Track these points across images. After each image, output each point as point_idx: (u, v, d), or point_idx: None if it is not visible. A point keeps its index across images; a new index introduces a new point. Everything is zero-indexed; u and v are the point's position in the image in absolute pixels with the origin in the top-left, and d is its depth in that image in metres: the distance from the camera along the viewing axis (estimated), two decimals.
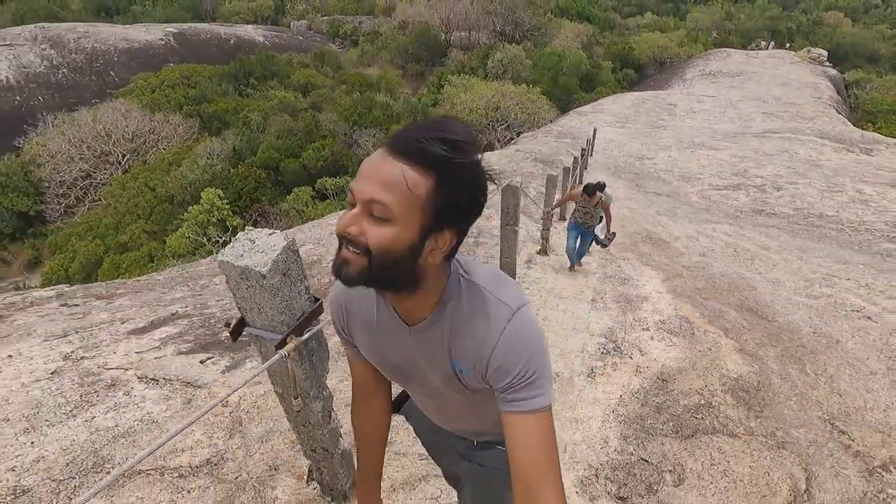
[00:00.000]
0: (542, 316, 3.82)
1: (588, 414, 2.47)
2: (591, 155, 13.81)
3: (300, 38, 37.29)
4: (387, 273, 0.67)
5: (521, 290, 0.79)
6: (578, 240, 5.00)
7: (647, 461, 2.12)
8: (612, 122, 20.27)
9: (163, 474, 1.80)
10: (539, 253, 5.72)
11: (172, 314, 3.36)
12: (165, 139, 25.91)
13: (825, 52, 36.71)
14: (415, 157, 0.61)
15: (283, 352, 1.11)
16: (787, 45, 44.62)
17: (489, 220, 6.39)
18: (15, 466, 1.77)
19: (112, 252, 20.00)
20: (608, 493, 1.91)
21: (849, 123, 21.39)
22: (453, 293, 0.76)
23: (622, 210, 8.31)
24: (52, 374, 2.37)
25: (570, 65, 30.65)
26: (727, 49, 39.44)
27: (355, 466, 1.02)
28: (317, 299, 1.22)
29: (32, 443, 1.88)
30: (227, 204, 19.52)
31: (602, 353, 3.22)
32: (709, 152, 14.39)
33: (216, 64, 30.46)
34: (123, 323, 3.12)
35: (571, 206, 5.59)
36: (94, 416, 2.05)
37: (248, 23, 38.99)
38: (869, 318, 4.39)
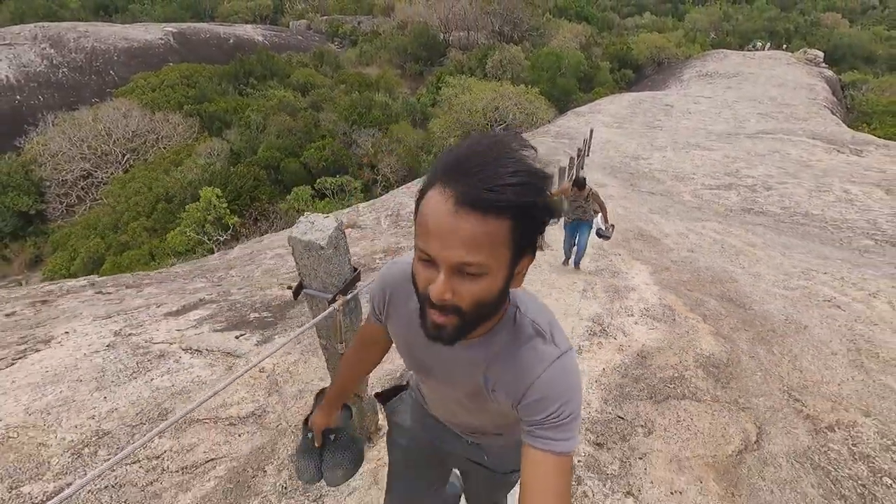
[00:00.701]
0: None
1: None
2: (588, 155, 14.21)
3: (299, 37, 37.67)
4: (482, 319, 0.69)
5: (565, 335, 0.82)
6: (576, 236, 5.25)
7: (622, 418, 2.51)
8: (609, 123, 20.69)
9: (216, 422, 2.17)
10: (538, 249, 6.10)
11: (200, 300, 3.73)
12: (165, 138, 26.22)
13: (821, 54, 37.23)
14: (491, 209, 0.59)
15: (334, 306, 1.48)
16: (785, 46, 45.13)
17: None
18: (94, 416, 2.15)
19: (113, 250, 20.30)
20: (588, 441, 2.29)
21: (842, 124, 21.84)
22: (506, 323, 0.78)
23: (616, 209, 8.69)
24: (107, 346, 2.74)
25: (569, 65, 31.08)
26: (724, 50, 39.94)
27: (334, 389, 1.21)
28: (356, 269, 1.59)
29: (105, 398, 2.26)
30: (224, 202, 19.84)
31: (589, 334, 3.60)
32: (703, 153, 14.81)
33: (216, 63, 30.77)
34: (158, 307, 3.49)
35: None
36: (152, 379, 2.43)
37: (246, 22, 39.36)
38: (838, 306, 4.79)
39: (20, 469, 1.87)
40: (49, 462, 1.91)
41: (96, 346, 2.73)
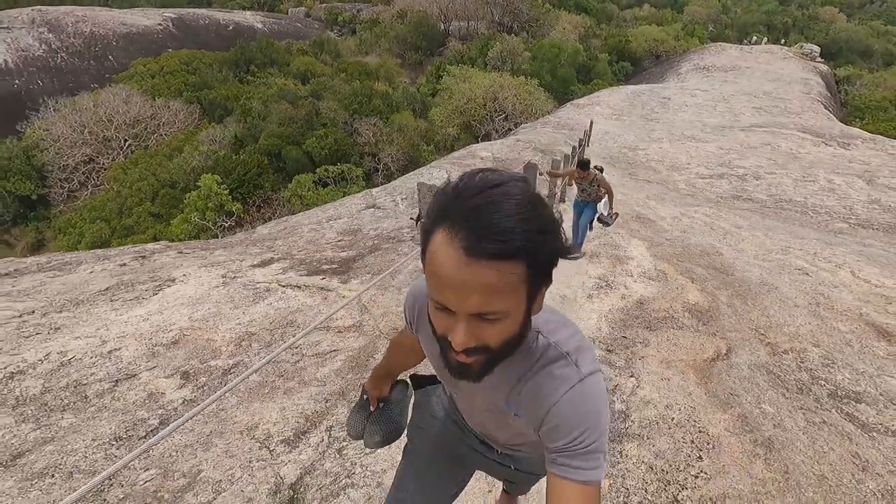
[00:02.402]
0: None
1: (588, 316, 3.70)
2: (588, 145, 15.03)
3: (298, 24, 38.06)
4: (508, 352, 0.70)
5: (596, 359, 0.80)
6: (582, 215, 5.68)
7: (625, 337, 3.36)
8: (608, 115, 21.51)
9: (329, 331, 2.99)
10: None
11: (270, 258, 4.52)
12: (166, 125, 26.68)
13: (817, 49, 38.21)
14: (502, 255, 0.59)
15: None
16: (783, 41, 46.10)
17: None
18: (240, 323, 2.96)
19: (117, 234, 20.89)
20: (600, 348, 3.13)
21: (833, 119, 22.82)
22: (527, 347, 0.78)
23: (616, 195, 9.52)
24: (223, 283, 3.54)
25: (568, 57, 31.81)
26: (722, 44, 40.81)
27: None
28: None
29: (243, 313, 3.07)
30: (225, 189, 20.42)
31: (597, 287, 4.45)
32: (697, 144, 15.70)
33: (215, 50, 31.13)
34: (242, 261, 4.28)
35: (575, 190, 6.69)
36: (271, 303, 3.23)
37: (244, 8, 39.65)
38: (807, 273, 5.67)
39: (201, 353, 2.68)
40: (220, 349, 2.72)
41: (215, 283, 3.54)
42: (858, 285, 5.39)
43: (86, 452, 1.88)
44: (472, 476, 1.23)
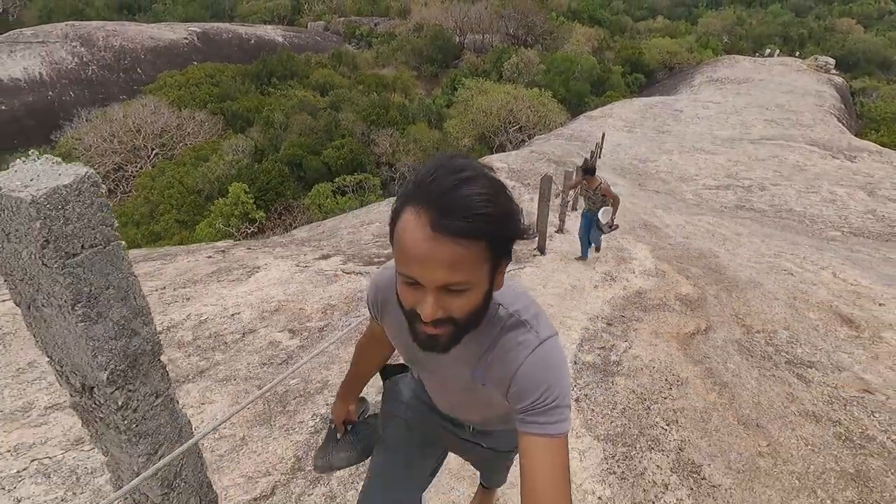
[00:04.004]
0: (563, 265, 5.90)
1: (593, 301, 4.58)
2: (600, 157, 15.91)
3: (317, 38, 39.73)
4: (474, 324, 0.77)
5: (550, 323, 0.88)
6: (590, 228, 5.90)
7: (623, 316, 4.23)
8: (620, 127, 22.40)
9: None
10: (557, 231, 7.82)
11: (326, 254, 5.47)
12: (191, 135, 28.11)
13: (832, 60, 38.79)
14: (466, 234, 0.65)
15: None
16: (797, 52, 46.70)
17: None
18: (321, 298, 3.89)
19: (146, 240, 22.15)
20: (602, 323, 4.01)
21: (846, 131, 23.44)
22: (489, 319, 0.83)
23: (625, 203, 10.37)
24: (299, 271, 4.50)
25: (582, 70, 32.83)
26: (736, 56, 41.57)
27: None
28: None
29: (323, 291, 4.01)
30: (251, 198, 21.65)
31: (602, 280, 5.32)
32: (706, 156, 16.50)
33: (237, 62, 32.68)
34: (304, 255, 5.24)
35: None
36: (342, 284, 4.17)
37: (265, 22, 41.48)
38: (791, 274, 6.47)
39: (298, 318, 3.62)
40: (311, 315, 3.66)
41: (293, 270, 4.49)
42: (836, 284, 6.18)
43: (248, 370, 2.82)
44: (446, 454, 1.31)
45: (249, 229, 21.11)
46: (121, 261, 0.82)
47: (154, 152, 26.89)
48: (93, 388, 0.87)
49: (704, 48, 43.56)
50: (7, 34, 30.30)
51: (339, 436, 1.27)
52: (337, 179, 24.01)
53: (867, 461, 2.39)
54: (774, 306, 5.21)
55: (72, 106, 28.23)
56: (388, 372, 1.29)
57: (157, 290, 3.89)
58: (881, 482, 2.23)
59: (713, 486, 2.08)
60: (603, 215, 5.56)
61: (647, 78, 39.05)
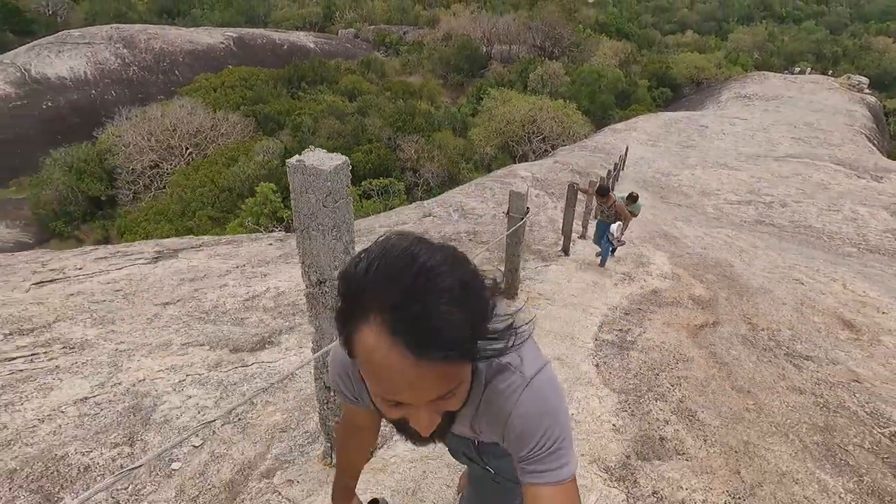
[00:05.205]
0: (585, 265, 6.48)
1: (613, 295, 5.17)
2: (623, 169, 16.41)
3: (348, 45, 41.13)
4: (465, 405, 0.75)
5: (537, 354, 0.83)
6: (604, 235, 6.26)
7: (639, 309, 4.80)
8: (644, 141, 22.84)
9: None
10: (580, 237, 8.40)
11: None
12: (224, 136, 29.40)
13: (866, 80, 38.54)
14: (449, 353, 0.59)
15: (526, 218, 3.85)
16: (830, 71, 46.40)
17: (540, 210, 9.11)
18: None
19: (180, 235, 23.27)
20: (621, 312, 4.60)
21: (875, 151, 23.47)
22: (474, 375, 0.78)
23: (646, 214, 10.88)
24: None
25: (608, 82, 33.35)
26: (766, 72, 41.59)
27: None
28: (528, 208, 3.95)
29: None
30: (279, 197, 22.65)
31: (621, 279, 5.89)
32: (730, 172, 16.86)
33: (270, 67, 34.06)
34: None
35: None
36: None
37: (297, 29, 43.10)
38: (802, 283, 6.94)
39: None
40: None
41: None
42: (845, 294, 6.63)
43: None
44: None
45: (276, 228, 22.08)
46: (350, 209, 1.50)
47: (188, 151, 28.22)
48: (324, 281, 1.54)
49: (734, 64, 43.66)
50: (56, 35, 32.22)
51: None
52: (363, 183, 24.91)
53: (836, 420, 2.94)
54: (782, 310, 5.70)
55: (113, 104, 29.80)
56: None
57: (238, 267, 4.61)
58: (843, 433, 2.78)
59: (704, 424, 2.66)
60: (615, 230, 5.95)
61: (674, 92, 39.33)
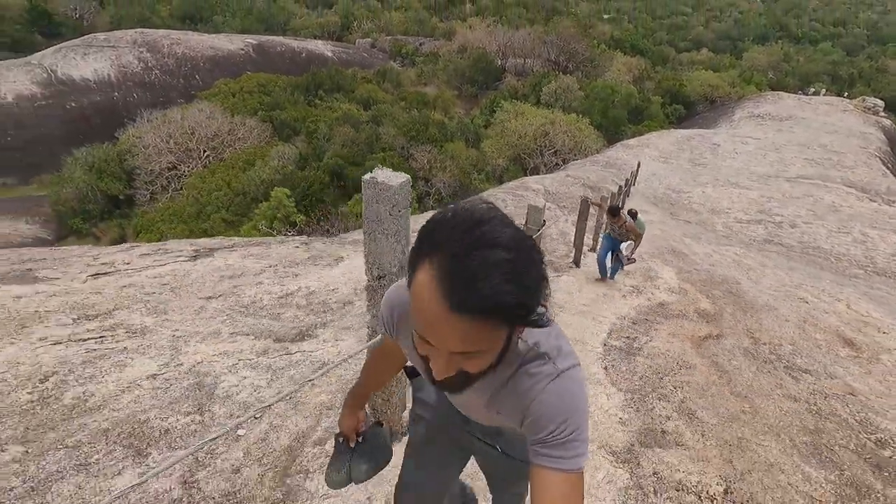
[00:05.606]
0: (595, 277, 6.76)
1: (621, 307, 5.46)
2: (634, 185, 16.70)
3: (364, 54, 42.03)
4: (486, 374, 0.78)
5: (573, 353, 0.88)
6: (610, 253, 6.25)
7: (647, 319, 5.09)
8: (655, 157, 23.13)
9: None
10: (590, 250, 8.70)
11: None
12: (241, 140, 30.11)
13: (882, 102, 38.60)
14: (483, 314, 0.64)
15: (543, 229, 4.18)
16: (845, 93, 46.49)
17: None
18: None
19: (194, 237, 23.86)
20: (628, 321, 4.88)
21: (889, 175, 23.55)
22: (510, 353, 0.81)
23: (654, 230, 11.15)
24: None
25: (621, 98, 33.75)
26: (780, 92, 41.79)
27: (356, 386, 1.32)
28: (544, 221, 4.28)
29: None
30: (292, 202, 23.16)
31: (630, 292, 6.18)
32: (741, 191, 17.09)
33: (288, 74, 34.86)
34: None
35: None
36: None
37: (315, 37, 44.15)
38: (806, 302, 7.17)
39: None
40: None
41: None
42: (848, 314, 6.85)
43: (358, 323, 3.82)
44: (469, 458, 1.34)
45: (289, 232, 22.54)
46: (409, 218, 1.83)
47: (206, 154, 28.93)
48: (384, 276, 1.87)
49: (748, 83, 43.94)
50: (82, 38, 33.28)
51: (352, 446, 1.29)
52: None
53: (826, 424, 3.20)
54: (784, 326, 5.95)
55: (135, 107, 30.65)
56: (414, 372, 1.27)
57: (270, 267, 4.97)
58: (831, 435, 3.04)
59: (702, 421, 2.94)
60: (625, 248, 6.13)
61: (687, 110, 39.64)
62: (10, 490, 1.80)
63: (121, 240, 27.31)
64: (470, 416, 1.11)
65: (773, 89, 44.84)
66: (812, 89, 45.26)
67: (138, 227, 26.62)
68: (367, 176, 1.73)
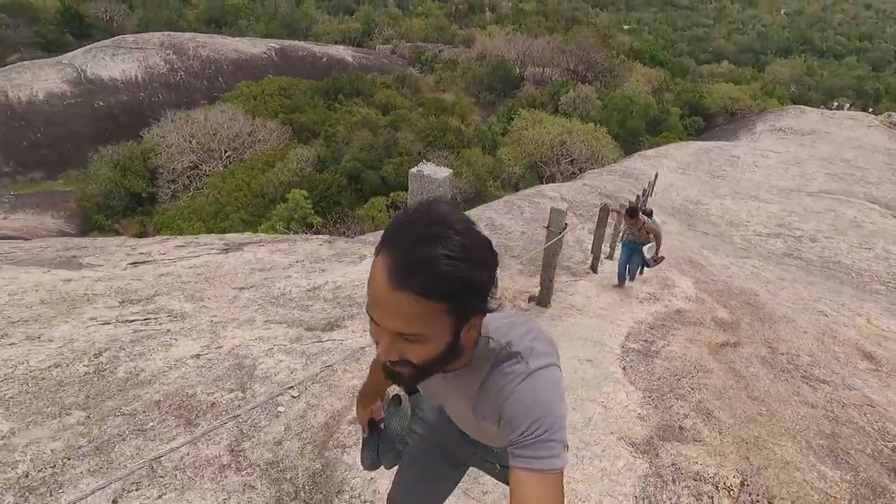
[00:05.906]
0: (612, 283, 6.83)
1: (639, 312, 5.53)
2: (651, 195, 16.68)
3: (384, 60, 42.58)
4: (435, 368, 0.80)
5: (551, 353, 0.89)
6: (630, 257, 6.40)
7: (664, 325, 5.16)
8: (673, 168, 23.04)
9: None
10: (607, 258, 8.76)
11: None
12: (261, 142, 30.69)
13: None
14: (422, 294, 0.68)
15: (565, 231, 4.31)
16: (870, 108, 45.79)
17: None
18: None
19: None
20: (646, 326, 4.96)
21: None
22: (480, 354, 0.88)
23: (672, 241, 11.16)
24: None
25: (640, 109, 33.70)
26: (802, 106, 41.30)
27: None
28: (566, 224, 4.40)
29: None
30: (310, 204, 23.49)
31: (647, 299, 6.24)
32: (760, 204, 16.97)
33: (309, 78, 35.46)
34: None
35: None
36: None
37: (336, 43, 44.90)
38: (825, 315, 7.15)
39: None
40: None
41: None
42: (868, 328, 6.82)
43: None
44: (465, 472, 1.36)
45: (306, 234, 22.86)
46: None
47: (227, 155, 29.54)
48: None
49: (770, 96, 43.52)
50: (112, 39, 34.27)
51: (374, 435, 1.32)
52: (392, 194, 25.67)
53: (842, 429, 3.26)
54: (803, 338, 5.96)
55: (160, 107, 31.42)
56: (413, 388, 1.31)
57: (298, 262, 5.16)
58: (847, 440, 3.10)
59: (719, 421, 3.02)
60: (648, 251, 6.15)
61: (707, 122, 39.37)
62: (79, 448, 1.97)
63: (142, 236, 27.95)
64: (466, 431, 1.14)
65: (795, 103, 44.32)
66: (836, 103, 44.63)
67: (159, 224, 27.19)
68: (413, 169, 1.90)
